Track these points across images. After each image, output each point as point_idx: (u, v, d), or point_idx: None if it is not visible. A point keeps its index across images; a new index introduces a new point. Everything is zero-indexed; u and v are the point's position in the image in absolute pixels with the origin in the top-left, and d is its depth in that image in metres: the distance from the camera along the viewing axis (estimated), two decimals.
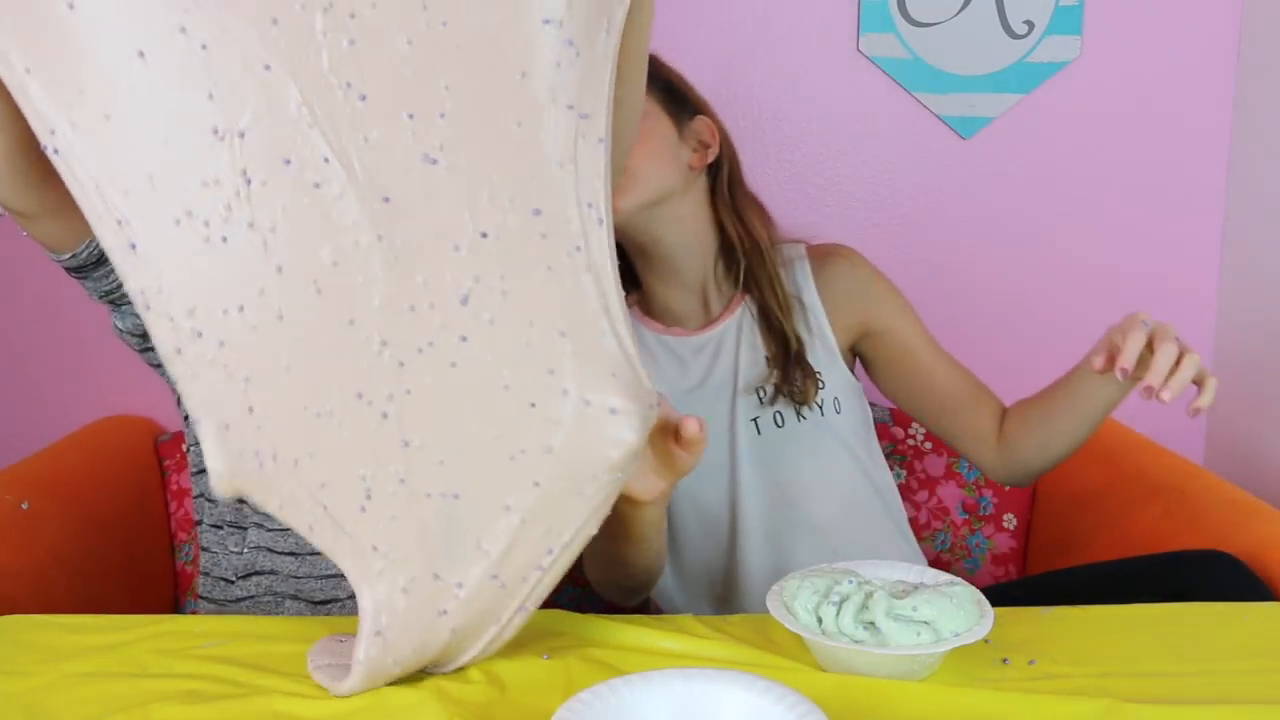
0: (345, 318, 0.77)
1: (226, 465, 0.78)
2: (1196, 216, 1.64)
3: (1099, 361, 1.00)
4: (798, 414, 1.19)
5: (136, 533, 1.43)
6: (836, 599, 0.82)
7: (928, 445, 1.58)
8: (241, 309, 0.77)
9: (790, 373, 1.18)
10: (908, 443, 1.58)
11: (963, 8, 1.56)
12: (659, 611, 1.26)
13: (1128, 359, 0.97)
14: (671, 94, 1.19)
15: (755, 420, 1.19)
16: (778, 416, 1.19)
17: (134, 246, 0.76)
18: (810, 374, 1.19)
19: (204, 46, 0.74)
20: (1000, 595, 0.91)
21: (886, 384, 1.26)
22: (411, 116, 0.76)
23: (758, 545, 1.19)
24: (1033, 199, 1.64)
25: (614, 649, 0.85)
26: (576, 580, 1.56)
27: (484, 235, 0.78)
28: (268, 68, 0.74)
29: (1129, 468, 1.38)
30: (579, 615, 0.91)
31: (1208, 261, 1.65)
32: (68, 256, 0.96)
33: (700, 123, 1.20)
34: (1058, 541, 1.48)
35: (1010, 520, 1.56)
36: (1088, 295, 1.65)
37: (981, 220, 1.64)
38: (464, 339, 0.78)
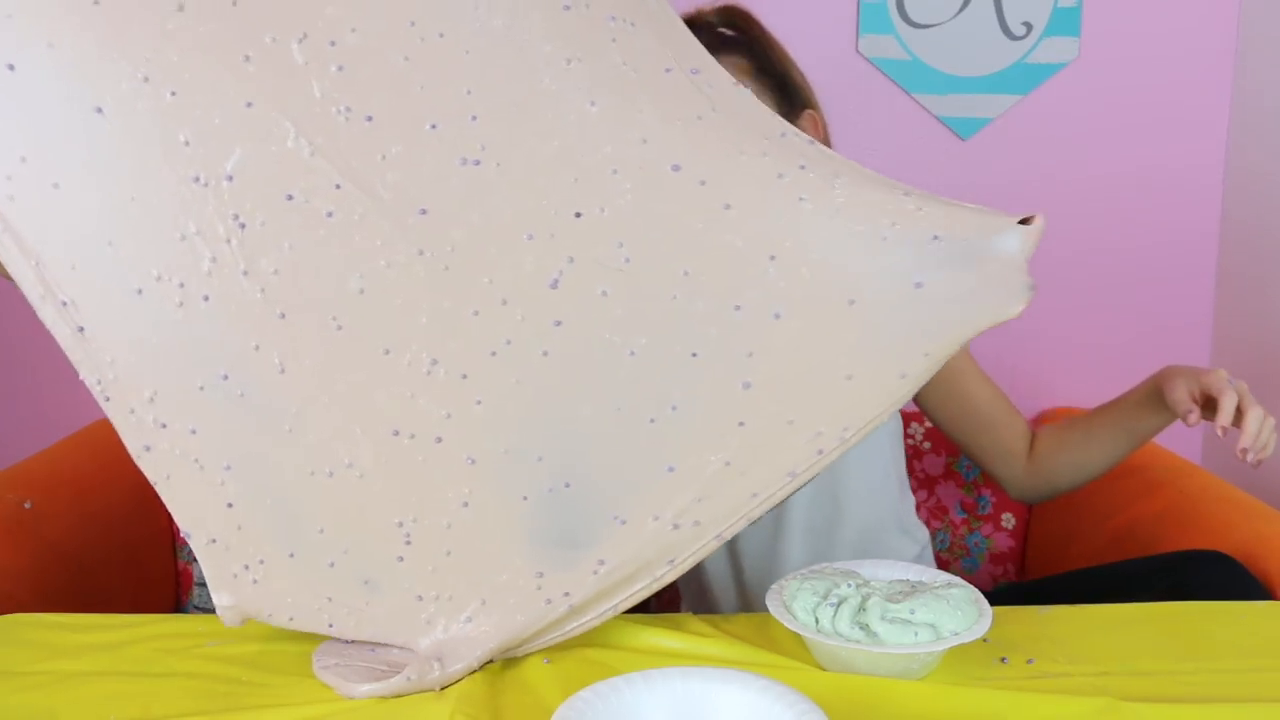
0: (379, 348, 0.74)
1: (229, 592, 0.76)
2: (1194, 217, 1.64)
3: (1194, 418, 1.05)
4: None
5: (138, 532, 1.43)
6: (835, 601, 0.82)
7: (927, 445, 1.58)
8: (225, 378, 0.73)
9: None
10: (907, 442, 1.58)
11: (961, 9, 1.56)
12: (698, 599, 1.26)
13: (1226, 419, 1.01)
14: (784, 91, 1.16)
15: None
16: None
17: (82, 330, 0.73)
18: None
19: (173, 93, 0.72)
20: (996, 599, 0.91)
21: (929, 400, 1.26)
22: (435, 126, 0.74)
23: (799, 541, 1.18)
24: (1031, 200, 1.64)
25: (614, 649, 0.85)
26: None
27: (579, 215, 0.74)
28: (250, 105, 0.72)
29: (1127, 466, 1.38)
30: None
31: (1205, 261, 1.65)
32: None
33: (806, 120, 1.17)
34: (1056, 541, 1.48)
35: (1009, 520, 1.57)
36: (1086, 295, 1.65)
37: None
38: (558, 323, 0.75)
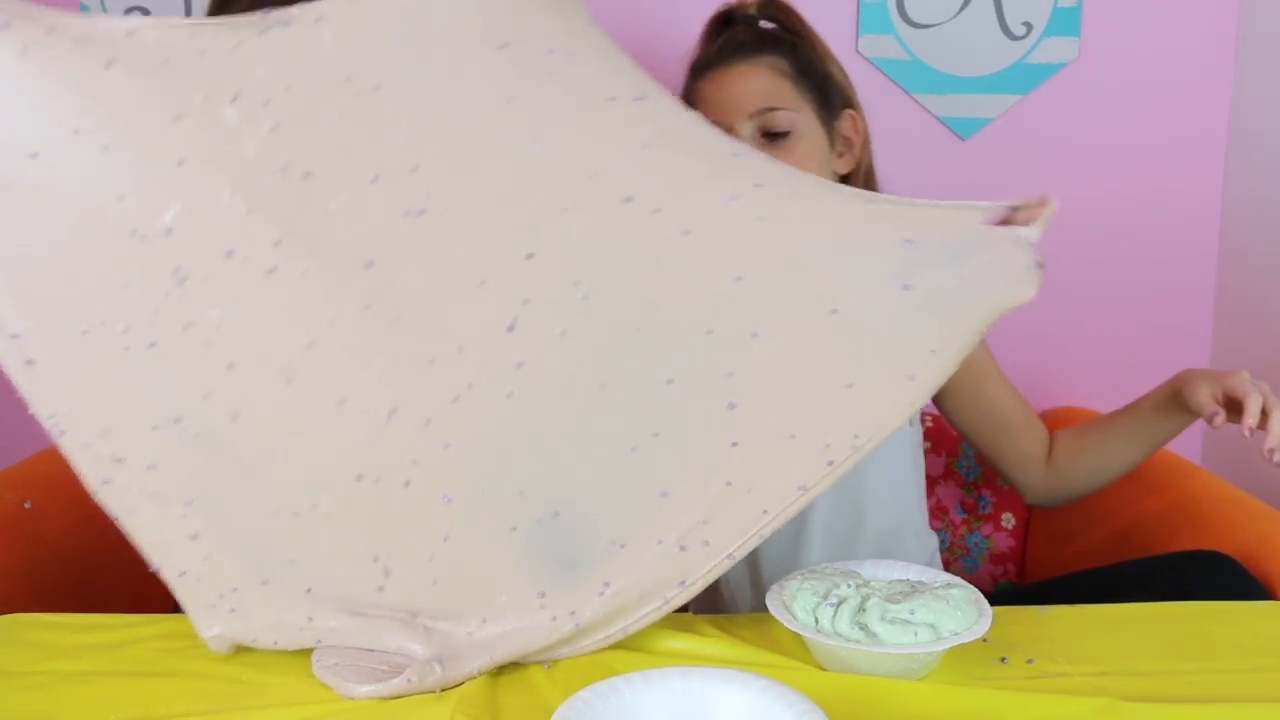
0: (333, 399, 0.73)
1: (210, 620, 0.75)
2: (1194, 217, 1.64)
3: (1219, 420, 1.05)
4: None
5: None
6: (835, 601, 0.82)
7: (927, 444, 1.58)
8: (178, 420, 0.72)
9: None
10: None
11: (961, 9, 1.56)
12: (710, 602, 1.25)
13: (1253, 419, 1.02)
14: (824, 93, 1.15)
15: None
16: None
17: (31, 363, 0.72)
18: None
19: (105, 148, 0.71)
20: (996, 601, 0.91)
21: (951, 403, 1.27)
22: (376, 179, 0.73)
23: (819, 546, 1.18)
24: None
25: (614, 649, 0.85)
26: None
27: (530, 256, 0.74)
28: (181, 164, 0.71)
29: None
30: None
31: (1205, 260, 1.65)
32: None
33: (845, 120, 1.17)
34: (1055, 541, 1.48)
35: (1009, 520, 1.57)
36: (1086, 295, 1.65)
37: None
38: (519, 364, 0.75)
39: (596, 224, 0.75)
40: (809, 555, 1.17)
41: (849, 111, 1.17)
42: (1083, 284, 1.65)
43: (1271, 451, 1.00)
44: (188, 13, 1.53)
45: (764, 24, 1.19)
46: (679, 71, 1.22)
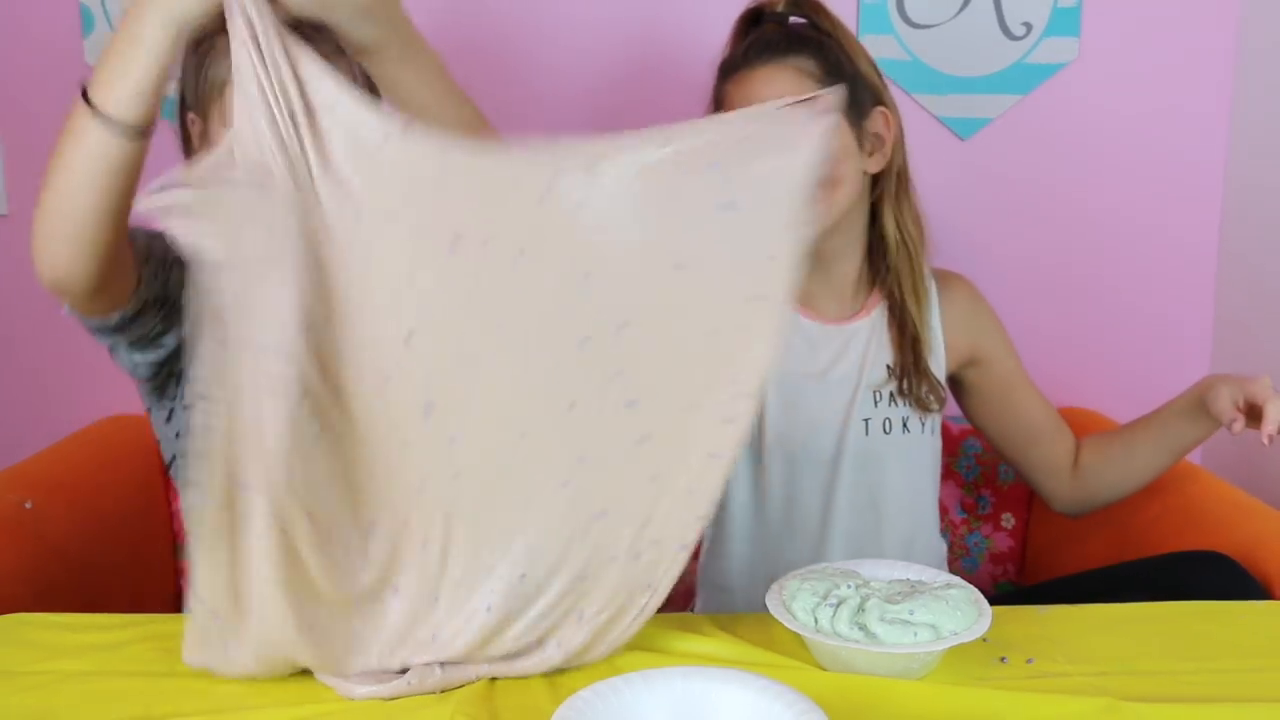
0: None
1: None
2: (1194, 217, 1.64)
3: (1239, 427, 1.06)
4: (904, 424, 1.18)
5: (139, 532, 1.43)
6: (834, 602, 0.82)
7: None
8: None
9: (918, 379, 1.17)
10: None
11: (961, 9, 1.56)
12: (718, 604, 1.25)
13: (1272, 426, 1.03)
14: (853, 94, 1.10)
15: (866, 421, 1.18)
16: (886, 423, 1.18)
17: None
18: (934, 384, 1.18)
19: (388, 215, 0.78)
20: (995, 602, 0.91)
21: (978, 410, 1.27)
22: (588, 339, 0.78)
23: (840, 547, 1.18)
24: (1031, 200, 1.64)
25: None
26: None
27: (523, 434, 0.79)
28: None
29: None
30: None
31: (1205, 260, 1.65)
32: (115, 318, 0.97)
33: (876, 117, 1.15)
34: (1055, 541, 1.48)
35: (1009, 520, 1.57)
36: (1086, 295, 1.65)
37: (980, 221, 1.64)
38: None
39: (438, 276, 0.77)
40: (830, 550, 1.17)
41: (880, 109, 1.15)
42: (1083, 283, 1.65)
43: (1270, 438, 1.01)
44: None
45: (793, 19, 1.17)
46: (708, 74, 1.20)
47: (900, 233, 1.18)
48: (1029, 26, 1.57)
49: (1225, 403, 1.08)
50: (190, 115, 1.08)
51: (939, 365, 1.21)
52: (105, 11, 1.53)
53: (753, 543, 1.20)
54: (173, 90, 1.10)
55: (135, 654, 0.85)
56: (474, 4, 1.55)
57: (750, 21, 1.20)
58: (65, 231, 0.82)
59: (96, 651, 0.86)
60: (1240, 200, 1.60)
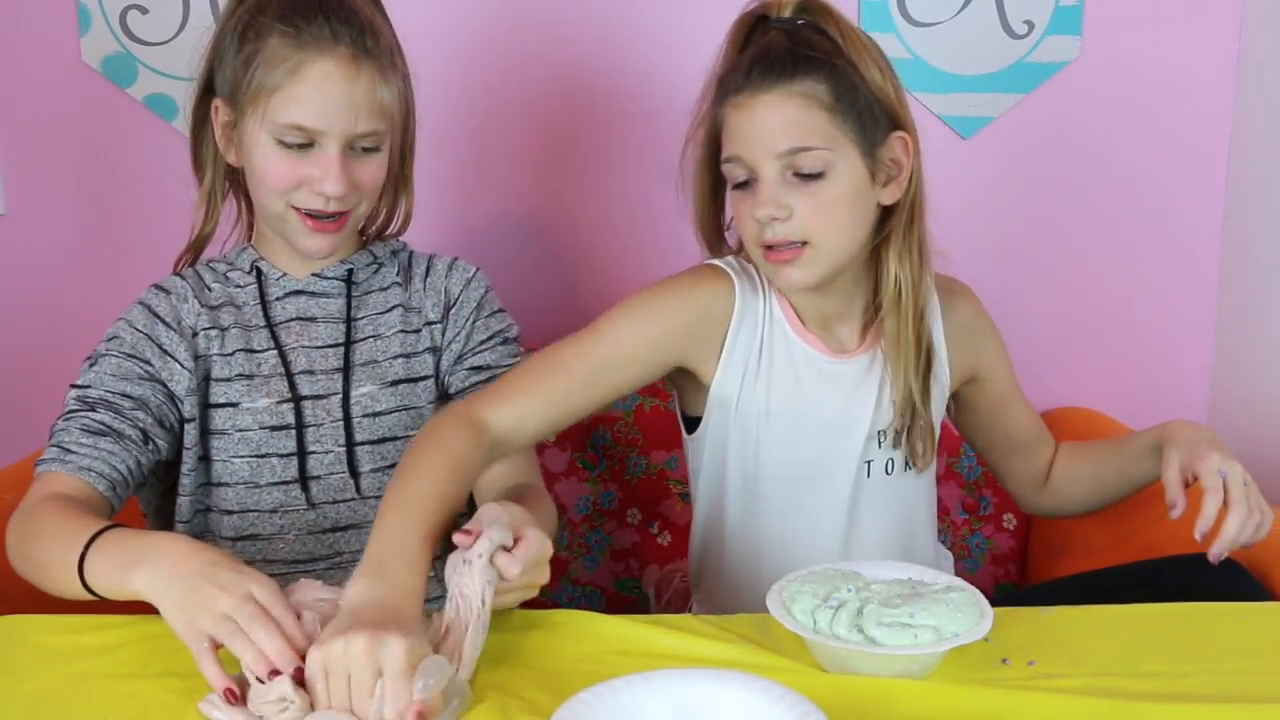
0: None
1: None
2: (1196, 216, 1.64)
3: (1176, 513, 1.03)
4: (906, 463, 1.14)
5: None
6: (834, 604, 0.82)
7: None
8: None
9: (911, 435, 1.11)
10: None
11: (963, 8, 1.56)
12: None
13: (1205, 524, 1.00)
14: (866, 121, 1.03)
15: (869, 463, 1.12)
16: (889, 464, 1.13)
17: None
18: (931, 440, 1.13)
19: None
20: (996, 604, 0.91)
21: (968, 421, 1.26)
22: None
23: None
24: (1032, 199, 1.64)
25: (614, 651, 0.85)
26: (576, 580, 1.56)
27: None
28: None
29: None
30: (580, 613, 0.91)
31: (1207, 260, 1.65)
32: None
33: (895, 142, 1.05)
34: (1057, 541, 1.48)
35: (1010, 520, 1.57)
36: (1086, 294, 1.65)
37: (980, 220, 1.64)
38: None
39: None
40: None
41: (898, 134, 1.05)
42: (1084, 282, 1.65)
43: (1210, 551, 0.99)
44: (185, 13, 1.53)
45: (805, 38, 1.03)
46: (697, 78, 1.11)
47: (898, 285, 1.06)
48: (1031, 25, 1.56)
49: (1173, 473, 1.04)
50: (216, 101, 1.07)
51: (943, 392, 1.16)
52: (103, 10, 1.52)
53: (745, 570, 1.17)
54: (189, 71, 1.10)
55: (134, 654, 0.85)
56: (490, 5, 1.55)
57: (751, 27, 1.08)
58: (38, 583, 0.93)
59: (95, 652, 0.86)
60: (1243, 200, 1.60)
